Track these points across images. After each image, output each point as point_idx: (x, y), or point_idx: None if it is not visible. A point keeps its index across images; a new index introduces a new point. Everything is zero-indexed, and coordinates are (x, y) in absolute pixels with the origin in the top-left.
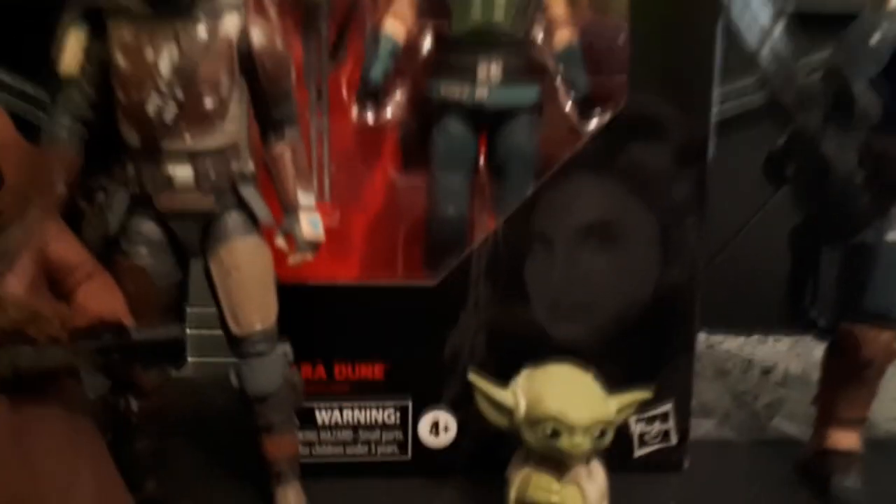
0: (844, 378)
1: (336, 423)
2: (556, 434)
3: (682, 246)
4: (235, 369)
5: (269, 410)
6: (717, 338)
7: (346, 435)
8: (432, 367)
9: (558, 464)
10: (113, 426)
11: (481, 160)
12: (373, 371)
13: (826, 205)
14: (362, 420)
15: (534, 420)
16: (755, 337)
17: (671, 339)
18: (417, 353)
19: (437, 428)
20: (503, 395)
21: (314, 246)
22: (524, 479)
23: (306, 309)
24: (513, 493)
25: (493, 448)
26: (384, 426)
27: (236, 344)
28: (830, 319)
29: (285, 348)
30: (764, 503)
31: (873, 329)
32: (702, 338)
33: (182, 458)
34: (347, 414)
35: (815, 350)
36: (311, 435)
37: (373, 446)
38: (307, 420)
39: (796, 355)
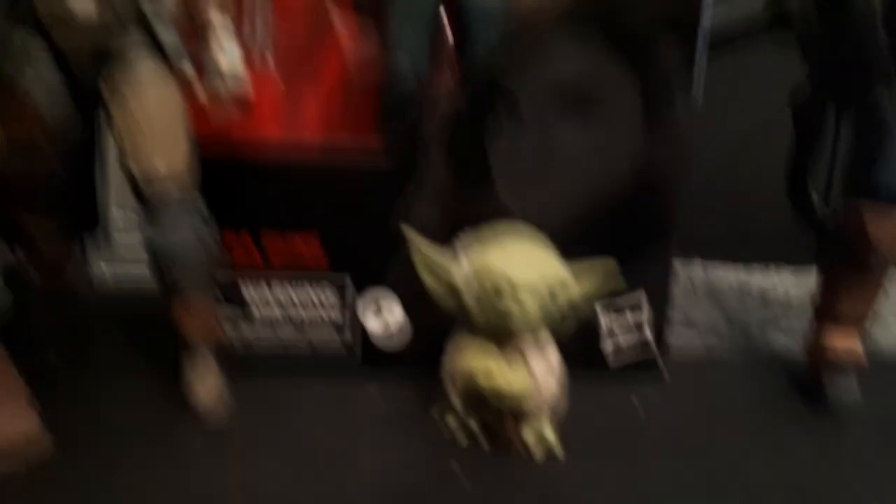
0: (845, 268)
1: (266, 302)
2: (498, 294)
3: (668, 120)
4: (142, 221)
5: (181, 272)
6: (713, 267)
7: (278, 315)
8: (376, 244)
9: (503, 339)
10: (14, 303)
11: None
12: (307, 244)
13: (838, 50)
14: (296, 299)
15: (476, 279)
16: (755, 268)
17: (650, 223)
18: (358, 227)
19: (380, 310)
20: (445, 258)
21: (230, 79)
22: (463, 349)
23: (229, 168)
24: (450, 365)
25: (445, 333)
26: (321, 306)
27: (141, 189)
28: (834, 200)
29: (199, 204)
30: (752, 412)
31: (883, 207)
32: (697, 268)
33: (96, 347)
34: (279, 292)
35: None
36: (237, 313)
37: (307, 328)
38: (233, 297)
39: (798, 282)
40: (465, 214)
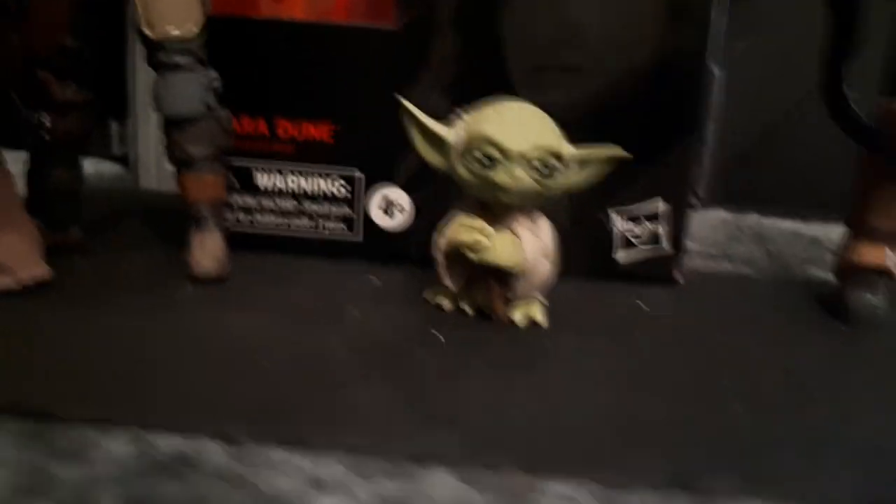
0: (882, 178)
1: (278, 190)
2: (491, 163)
3: (698, 2)
4: (153, 87)
5: (188, 141)
6: (769, 220)
7: (289, 205)
8: (386, 134)
9: (497, 215)
10: (30, 147)
11: None
12: (321, 134)
13: None
14: (307, 190)
15: (467, 146)
16: (816, 224)
17: (672, 120)
18: (373, 120)
19: (391, 208)
20: (439, 126)
21: None
22: (454, 222)
23: (247, 50)
24: (440, 239)
25: None
26: (331, 199)
27: (153, 54)
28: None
29: (211, 75)
30: (764, 317)
31: None
32: (752, 217)
33: (119, 227)
34: (291, 181)
35: None
36: (250, 200)
37: (319, 222)
38: (246, 183)
39: None
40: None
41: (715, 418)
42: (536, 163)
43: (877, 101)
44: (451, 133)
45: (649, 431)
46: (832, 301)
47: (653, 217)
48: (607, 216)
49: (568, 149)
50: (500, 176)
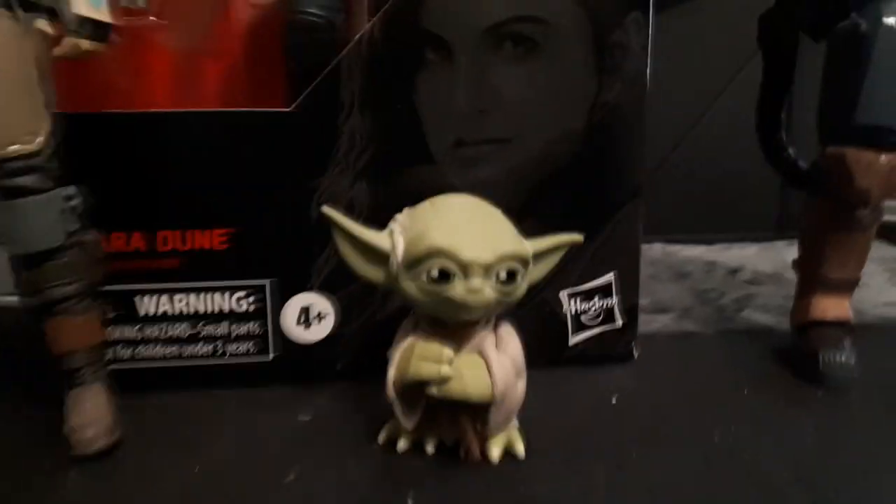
0: (832, 226)
1: (165, 314)
2: (445, 277)
3: (623, 53)
4: None
5: (48, 280)
6: (674, 247)
7: (182, 330)
8: (293, 232)
9: (455, 330)
10: None
11: None
12: (215, 245)
13: None
14: (202, 309)
15: (415, 260)
16: (719, 246)
17: (613, 184)
18: (272, 211)
19: (308, 317)
20: (375, 236)
21: (94, 28)
22: (407, 350)
23: (114, 149)
24: (392, 373)
25: (385, 340)
26: (233, 316)
27: None
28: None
29: (69, 192)
30: (740, 392)
31: (868, 150)
32: (657, 246)
33: None
34: (181, 301)
35: (785, 252)
36: (131, 331)
37: (220, 345)
38: (125, 311)
39: (766, 258)
40: (398, 189)
41: None
42: (499, 271)
43: (821, 149)
44: (390, 241)
45: None
46: (796, 359)
47: (606, 290)
48: (557, 298)
49: (526, 249)
50: (457, 291)
